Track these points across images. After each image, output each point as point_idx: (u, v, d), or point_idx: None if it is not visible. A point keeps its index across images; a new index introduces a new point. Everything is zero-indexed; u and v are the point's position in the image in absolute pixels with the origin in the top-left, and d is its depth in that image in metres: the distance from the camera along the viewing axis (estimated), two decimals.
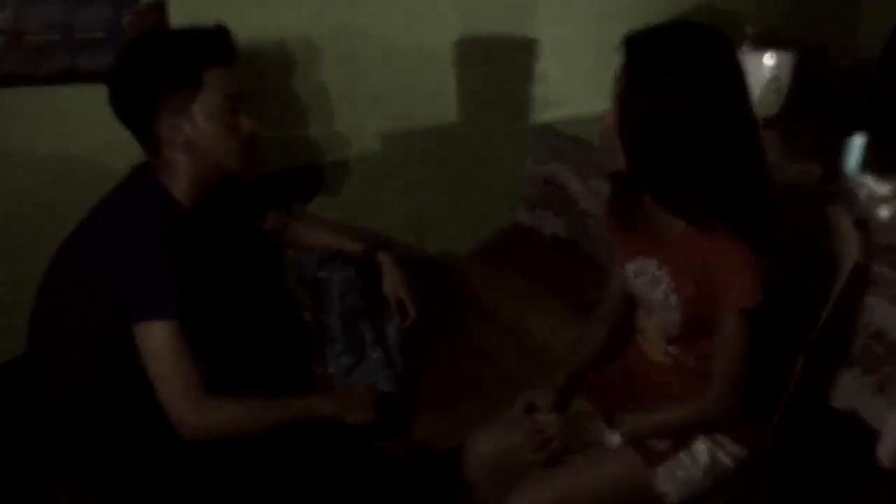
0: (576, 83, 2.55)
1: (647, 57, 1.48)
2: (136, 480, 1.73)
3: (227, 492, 1.74)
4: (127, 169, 1.89)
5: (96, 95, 2.08)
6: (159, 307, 1.63)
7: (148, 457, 1.72)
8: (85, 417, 1.73)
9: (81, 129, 2.13)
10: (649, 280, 1.68)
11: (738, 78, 1.52)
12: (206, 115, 1.72)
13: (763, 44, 2.26)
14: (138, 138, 1.77)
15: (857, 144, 2.12)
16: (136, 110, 1.73)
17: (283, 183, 2.26)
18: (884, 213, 1.95)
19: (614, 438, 1.65)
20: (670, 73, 1.46)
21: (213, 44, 1.75)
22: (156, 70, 1.70)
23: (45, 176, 2.14)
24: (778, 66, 2.24)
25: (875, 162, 2.13)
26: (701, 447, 1.65)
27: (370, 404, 1.86)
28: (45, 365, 1.77)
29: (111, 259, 1.65)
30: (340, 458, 1.78)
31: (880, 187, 2.04)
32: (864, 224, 1.84)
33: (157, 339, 1.64)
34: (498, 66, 2.50)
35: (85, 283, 1.69)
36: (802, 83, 2.34)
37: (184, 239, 1.69)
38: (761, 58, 2.23)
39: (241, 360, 1.75)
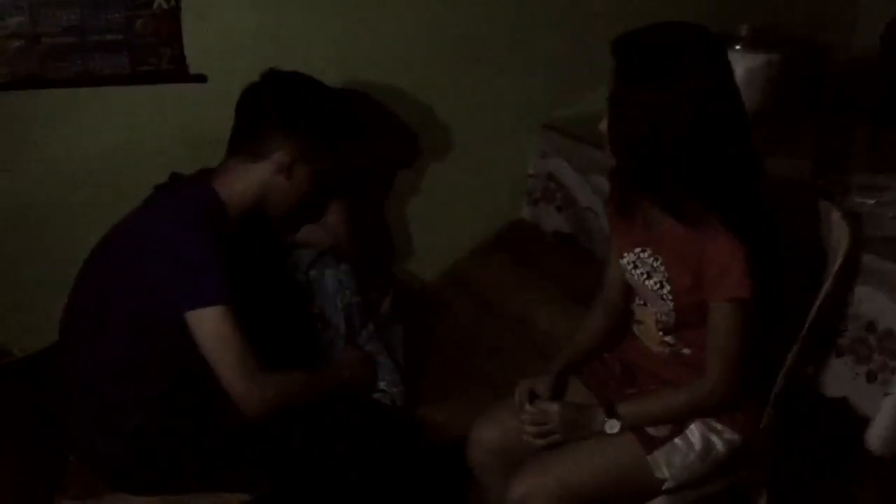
0: (579, 81, 2.57)
1: (635, 58, 1.52)
2: (163, 464, 1.78)
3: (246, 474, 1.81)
4: (138, 169, 1.94)
5: (111, 97, 2.14)
6: (218, 293, 1.69)
7: (177, 440, 1.77)
8: (116, 403, 1.78)
9: (96, 131, 2.17)
10: (646, 270, 1.72)
11: (726, 76, 1.55)
12: (305, 183, 1.90)
13: (757, 41, 2.28)
14: (248, 133, 1.87)
15: (850, 138, 2.15)
16: (290, 125, 1.85)
17: None
18: (876, 204, 1.97)
19: (614, 424, 1.68)
20: (658, 75, 1.49)
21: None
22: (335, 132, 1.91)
23: (60, 176, 2.17)
24: (771, 62, 2.26)
25: (867, 154, 2.15)
26: (696, 433, 1.68)
27: (369, 367, 2.03)
28: (78, 353, 1.82)
29: (163, 251, 1.70)
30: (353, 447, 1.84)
31: (872, 179, 2.07)
32: (856, 216, 1.86)
33: (218, 324, 1.69)
34: (501, 63, 2.52)
35: (128, 272, 1.74)
36: (797, 79, 2.37)
37: (226, 237, 1.75)
38: (755, 55, 2.25)
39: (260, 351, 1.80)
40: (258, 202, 1.87)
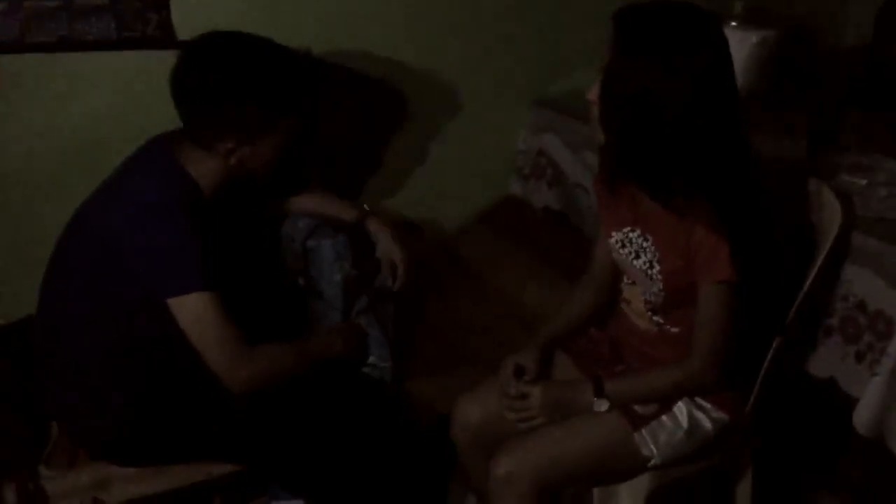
0: (571, 56, 2.55)
1: (637, 30, 1.49)
2: (150, 436, 1.78)
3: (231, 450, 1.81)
4: (123, 136, 1.91)
5: (95, 63, 2.11)
6: (195, 280, 1.68)
7: (164, 414, 1.77)
8: (102, 380, 1.77)
9: (80, 97, 2.13)
10: (634, 250, 1.70)
11: (723, 59, 1.53)
12: (267, 148, 1.81)
13: (751, 19, 2.27)
14: (193, 120, 1.78)
15: (842, 118, 2.14)
16: (211, 115, 1.76)
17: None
18: (867, 184, 1.97)
19: (602, 403, 1.68)
20: (658, 47, 1.47)
21: (300, 95, 1.83)
22: (247, 99, 1.75)
23: (44, 143, 2.14)
24: (765, 41, 2.24)
25: (859, 134, 2.14)
26: (683, 410, 1.68)
27: (362, 337, 2.03)
28: (55, 330, 1.80)
29: (140, 237, 1.68)
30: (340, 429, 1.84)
31: (863, 159, 2.06)
32: (848, 196, 1.85)
33: (197, 309, 1.68)
34: (493, 37, 2.50)
35: (104, 257, 1.72)
36: (790, 59, 2.35)
37: (202, 217, 1.72)
38: (749, 33, 2.23)
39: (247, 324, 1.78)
40: (231, 175, 1.81)
